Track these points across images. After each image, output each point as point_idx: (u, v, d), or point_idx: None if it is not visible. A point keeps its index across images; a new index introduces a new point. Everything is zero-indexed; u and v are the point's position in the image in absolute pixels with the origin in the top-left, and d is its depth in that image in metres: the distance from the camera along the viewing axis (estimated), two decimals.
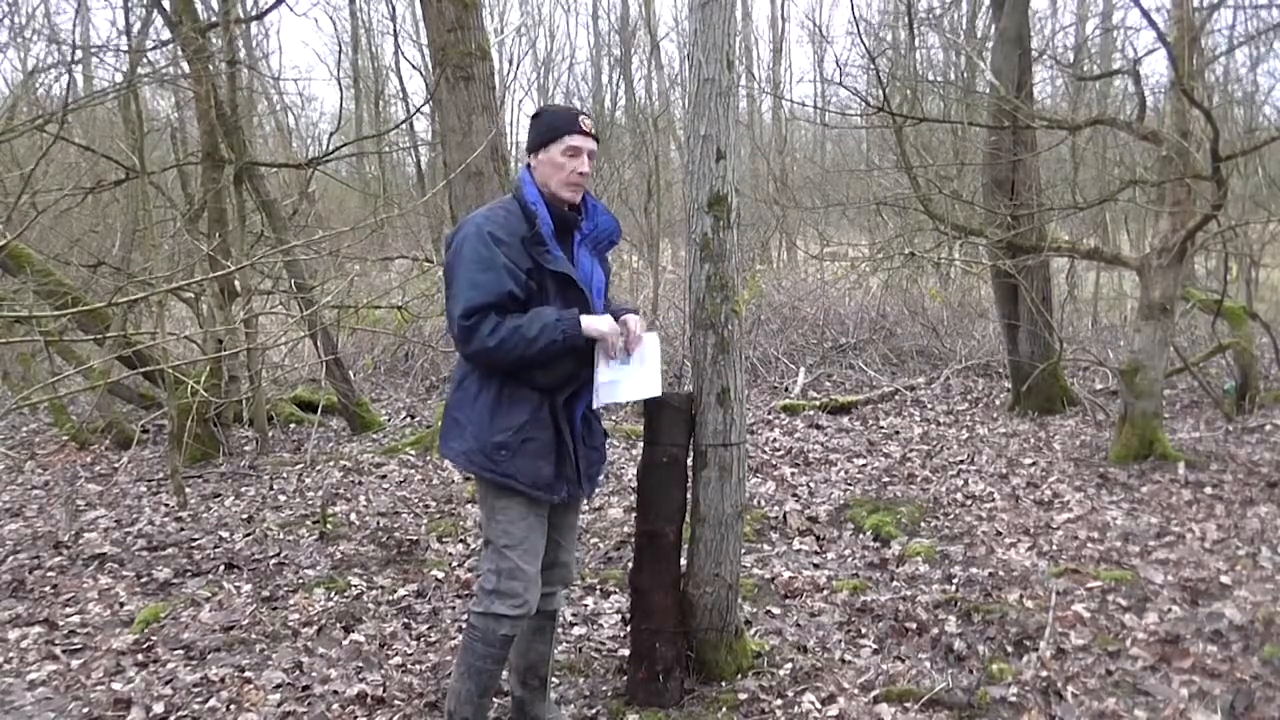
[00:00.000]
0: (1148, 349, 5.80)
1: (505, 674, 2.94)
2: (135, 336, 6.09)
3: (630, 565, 3.21)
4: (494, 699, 2.93)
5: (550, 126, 2.72)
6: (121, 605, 4.07)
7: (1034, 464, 5.89)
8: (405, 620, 3.84)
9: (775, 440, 6.83)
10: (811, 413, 7.71)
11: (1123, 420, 5.94)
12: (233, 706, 3.12)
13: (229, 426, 7.04)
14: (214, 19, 6.86)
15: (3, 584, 4.32)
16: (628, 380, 2.74)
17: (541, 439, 2.66)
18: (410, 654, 3.53)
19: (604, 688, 3.20)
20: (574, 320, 2.60)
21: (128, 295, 5.31)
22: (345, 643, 3.61)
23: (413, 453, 6.68)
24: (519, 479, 2.63)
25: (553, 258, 2.67)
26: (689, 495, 3.12)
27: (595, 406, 2.76)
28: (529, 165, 2.77)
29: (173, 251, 7.83)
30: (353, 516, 5.26)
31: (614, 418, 7.80)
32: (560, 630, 3.64)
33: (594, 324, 2.64)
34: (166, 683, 3.30)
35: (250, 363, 6.66)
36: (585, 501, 3.02)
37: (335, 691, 3.21)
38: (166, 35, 6.96)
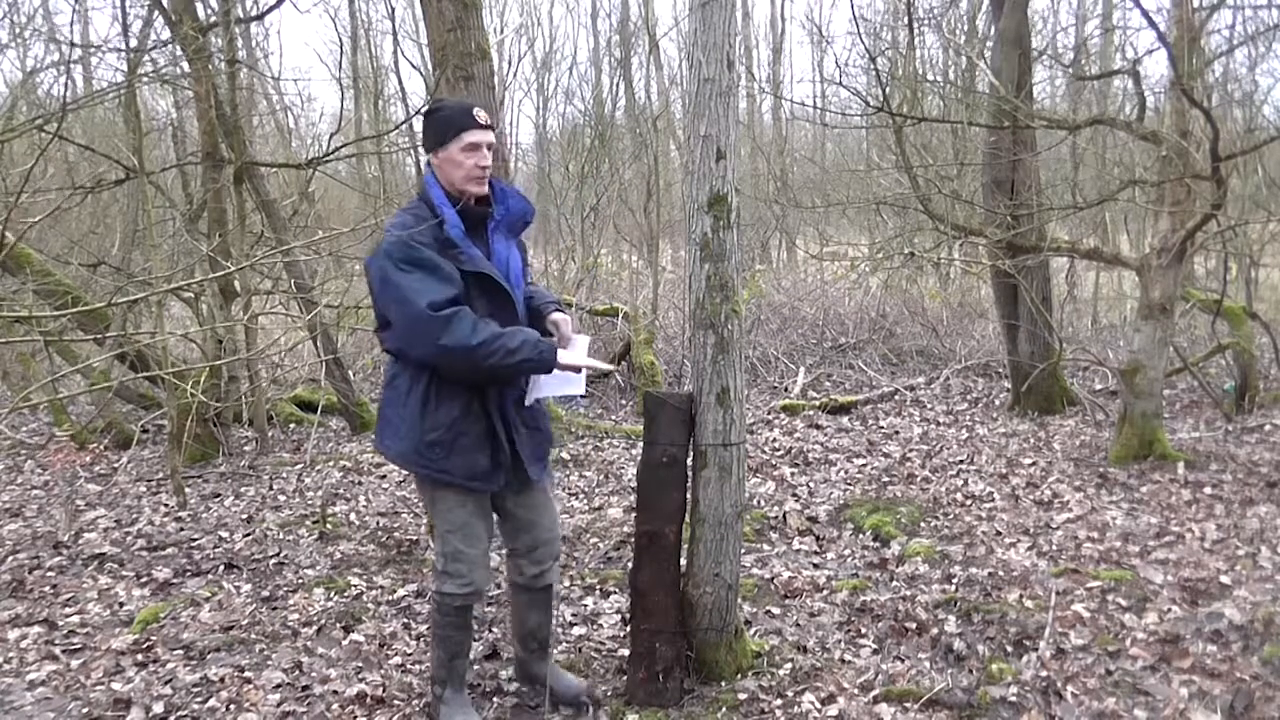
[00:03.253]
0: (1148, 349, 5.80)
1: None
2: (135, 336, 6.09)
3: (630, 565, 3.21)
4: (468, 661, 3.05)
5: (445, 124, 2.68)
6: (121, 605, 4.06)
7: (1034, 464, 5.89)
8: (405, 620, 3.84)
9: (775, 440, 6.83)
10: (811, 413, 7.70)
11: (1122, 420, 5.94)
12: (232, 706, 3.12)
13: (229, 426, 7.04)
14: (214, 19, 6.86)
15: (3, 584, 4.32)
16: (554, 379, 2.79)
17: (474, 433, 2.69)
18: (410, 654, 3.53)
19: (604, 688, 3.20)
20: (552, 350, 2.63)
21: (128, 295, 5.31)
22: (345, 643, 3.61)
23: None
24: (454, 474, 2.68)
25: (467, 258, 2.64)
26: (689, 495, 3.13)
27: (527, 403, 2.83)
28: (430, 164, 2.74)
29: (173, 251, 7.85)
30: (352, 516, 5.26)
31: (614, 417, 7.80)
32: (560, 630, 3.65)
33: (568, 358, 2.70)
34: (166, 683, 3.30)
35: (250, 363, 6.66)
36: (547, 480, 3.02)
37: (335, 691, 3.21)
38: (166, 35, 6.96)
